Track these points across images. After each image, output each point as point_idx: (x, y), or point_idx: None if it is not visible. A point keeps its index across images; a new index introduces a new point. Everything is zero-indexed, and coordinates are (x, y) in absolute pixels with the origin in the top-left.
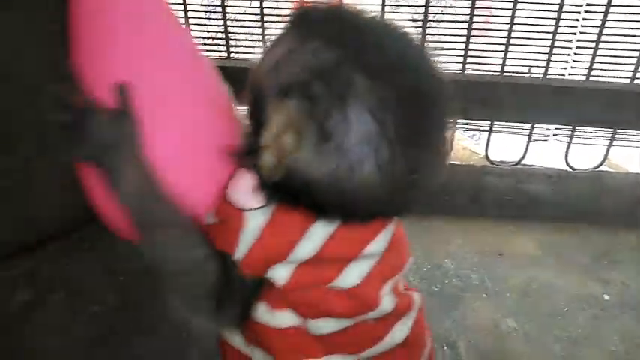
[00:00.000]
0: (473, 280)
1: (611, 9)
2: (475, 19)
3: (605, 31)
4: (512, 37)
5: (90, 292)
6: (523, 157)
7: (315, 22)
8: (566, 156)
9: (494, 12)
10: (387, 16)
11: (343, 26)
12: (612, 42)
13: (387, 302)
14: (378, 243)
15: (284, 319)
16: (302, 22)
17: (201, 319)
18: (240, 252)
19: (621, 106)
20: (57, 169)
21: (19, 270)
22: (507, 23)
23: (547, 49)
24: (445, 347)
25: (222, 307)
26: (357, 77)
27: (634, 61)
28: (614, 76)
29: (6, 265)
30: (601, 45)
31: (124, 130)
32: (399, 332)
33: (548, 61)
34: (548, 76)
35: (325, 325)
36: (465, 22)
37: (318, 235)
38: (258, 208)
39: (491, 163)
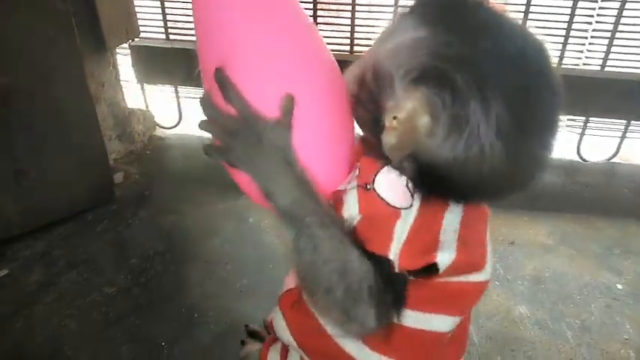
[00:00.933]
0: None
1: None
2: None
3: (621, 20)
4: (528, 26)
5: (102, 273)
6: None
7: (441, 9)
8: (578, 147)
9: (509, 1)
10: (400, 3)
11: (471, 17)
12: (628, 32)
13: None
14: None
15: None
16: (426, 7)
17: (364, 325)
18: (394, 250)
19: (635, 97)
20: (69, 151)
21: (32, 251)
22: (522, 12)
23: (562, 39)
24: None
25: (385, 310)
26: (493, 70)
27: None
28: (630, 67)
29: (19, 246)
30: (617, 35)
31: (281, 141)
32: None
33: (563, 50)
34: (562, 66)
35: (442, 324)
36: None
37: (453, 219)
38: (411, 206)
39: None
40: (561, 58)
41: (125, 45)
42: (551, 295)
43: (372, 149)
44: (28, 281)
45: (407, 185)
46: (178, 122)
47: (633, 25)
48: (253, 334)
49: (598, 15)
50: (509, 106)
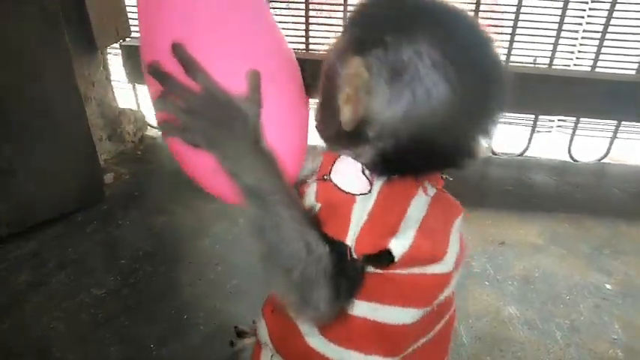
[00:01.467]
0: (474, 268)
1: (618, 0)
2: (481, 7)
3: (611, 22)
4: (519, 27)
5: (91, 274)
6: (527, 148)
7: (379, 12)
8: (569, 147)
9: (500, 1)
10: None
11: (405, 7)
12: (618, 33)
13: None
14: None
15: (357, 307)
16: (364, 14)
17: (317, 308)
18: (352, 235)
19: (626, 98)
20: (59, 152)
21: (21, 251)
22: (514, 12)
23: (553, 40)
24: None
25: (338, 295)
26: (422, 26)
27: (639, 53)
28: (620, 68)
29: (9, 246)
30: (607, 36)
31: (250, 119)
32: (439, 326)
33: (554, 51)
34: (553, 67)
35: (404, 316)
36: (472, 10)
37: (419, 208)
38: (367, 193)
39: (494, 153)
40: (552, 58)
41: (116, 44)
42: (541, 295)
43: (334, 140)
44: (18, 281)
45: (363, 172)
46: None
47: (623, 26)
48: (242, 335)
49: (588, 16)
50: (441, 48)
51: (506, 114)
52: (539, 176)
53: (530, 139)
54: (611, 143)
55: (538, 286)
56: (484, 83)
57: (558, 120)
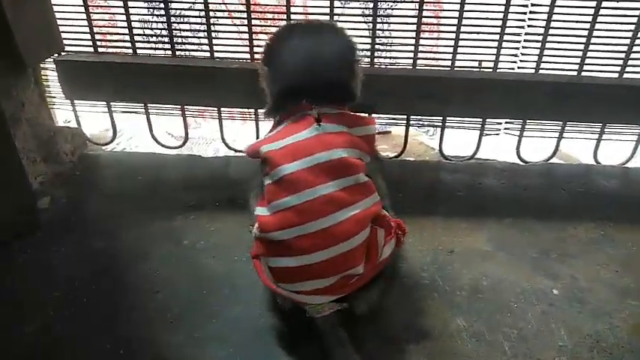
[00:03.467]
0: (424, 280)
1: (557, 3)
2: (425, 14)
3: (552, 24)
4: (462, 32)
5: (21, 310)
6: (476, 152)
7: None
8: (517, 149)
9: (443, 7)
10: (335, 11)
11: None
12: (559, 35)
13: None
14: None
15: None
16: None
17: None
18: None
19: (569, 99)
20: None
21: None
22: (457, 18)
23: (496, 44)
24: (394, 348)
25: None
26: (281, 35)
27: (580, 54)
28: (562, 69)
29: None
30: (548, 39)
31: None
32: None
33: (498, 55)
34: (498, 70)
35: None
36: (415, 17)
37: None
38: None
39: (445, 158)
40: (496, 62)
41: (50, 60)
42: (489, 305)
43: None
44: None
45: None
46: (112, 139)
47: (563, 29)
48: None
49: (530, 19)
50: (285, 42)
51: (454, 118)
52: (488, 180)
53: (479, 143)
54: (557, 144)
55: (486, 296)
56: (306, 57)
57: (506, 122)
